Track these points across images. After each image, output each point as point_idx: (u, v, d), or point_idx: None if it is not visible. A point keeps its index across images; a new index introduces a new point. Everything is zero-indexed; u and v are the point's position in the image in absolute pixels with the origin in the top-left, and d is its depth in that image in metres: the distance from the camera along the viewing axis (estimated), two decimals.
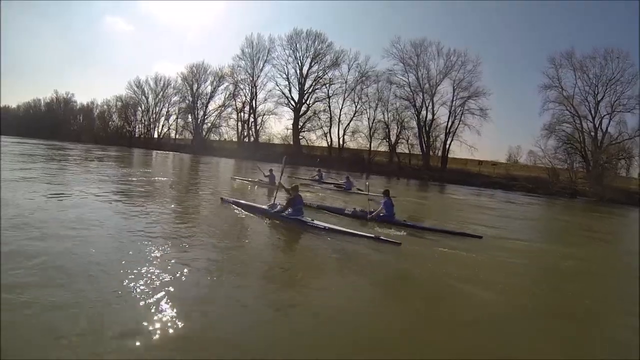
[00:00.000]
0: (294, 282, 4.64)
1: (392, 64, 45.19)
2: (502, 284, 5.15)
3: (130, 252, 4.85)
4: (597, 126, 36.49)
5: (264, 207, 8.61)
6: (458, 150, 43.70)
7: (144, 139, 68.66)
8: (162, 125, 69.32)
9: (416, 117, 44.35)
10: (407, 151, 44.83)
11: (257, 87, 54.67)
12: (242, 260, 5.16)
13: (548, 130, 37.87)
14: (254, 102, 55.14)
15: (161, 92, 68.39)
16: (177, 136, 67.01)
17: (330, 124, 48.99)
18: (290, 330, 3.34)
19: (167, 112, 68.42)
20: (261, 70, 54.12)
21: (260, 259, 5.33)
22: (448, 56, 43.05)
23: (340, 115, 48.95)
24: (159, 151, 54.27)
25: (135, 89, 70.11)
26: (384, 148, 46.39)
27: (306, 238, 6.88)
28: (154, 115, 69.81)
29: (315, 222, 7.49)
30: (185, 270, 4.36)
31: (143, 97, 70.41)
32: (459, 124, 43.08)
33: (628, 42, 65.61)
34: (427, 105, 43.92)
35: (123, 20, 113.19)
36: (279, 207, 8.16)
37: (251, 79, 54.85)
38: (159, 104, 69.06)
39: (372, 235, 6.81)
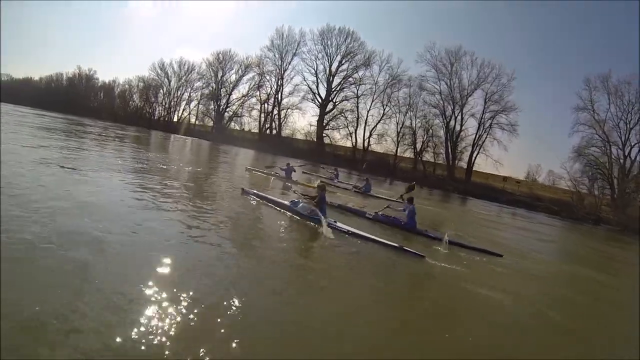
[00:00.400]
0: (310, 284, 4.57)
1: (425, 70, 44.92)
2: (519, 307, 5.18)
3: (148, 241, 4.85)
4: (626, 154, 35.57)
5: (286, 202, 8.37)
6: (483, 164, 43.27)
7: (163, 122, 68.32)
8: (183, 110, 69.13)
9: (444, 126, 43.79)
10: (431, 159, 44.41)
11: (284, 80, 54.06)
12: (260, 256, 5.14)
13: (577, 152, 37.11)
14: (279, 94, 54.55)
15: (184, 77, 67.95)
16: (196, 122, 66.86)
17: (357, 125, 48.32)
18: (299, 333, 3.31)
19: (188, 97, 68.10)
20: (289, 63, 53.51)
21: (277, 257, 5.27)
22: (482, 67, 42.33)
23: (367, 116, 48.29)
24: (178, 135, 54.12)
25: (159, 71, 69.90)
26: (408, 154, 45.97)
27: (327, 240, 6.69)
28: (175, 99, 69.60)
29: (339, 224, 7.32)
30: (201, 262, 4.41)
31: (165, 80, 70.33)
32: (486, 137, 42.54)
33: None
34: (456, 115, 43.38)
35: (149, 4, 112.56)
36: (301, 204, 7.92)
37: (278, 71, 54.26)
38: (180, 88, 68.77)
39: (396, 245, 6.62)
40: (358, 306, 4.12)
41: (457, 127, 43.29)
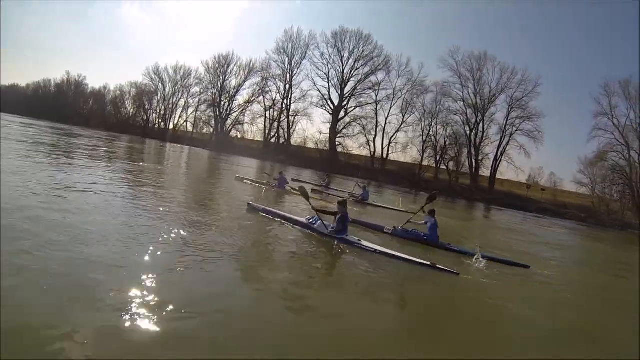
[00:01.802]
0: (338, 309, 4.21)
1: (448, 76, 43.27)
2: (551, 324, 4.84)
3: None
4: None
5: (302, 219, 7.82)
6: (504, 171, 42.82)
7: (159, 130, 64.96)
8: (179, 117, 66.35)
9: (468, 134, 42.55)
10: (453, 168, 43.04)
11: (293, 85, 51.53)
12: (280, 280, 4.74)
13: (599, 158, 37.09)
14: (286, 100, 52.16)
15: (180, 82, 64.84)
16: (193, 129, 64.14)
17: (376, 133, 46.23)
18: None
19: (185, 103, 65.33)
20: (298, 67, 51.19)
21: (299, 279, 5.02)
22: (505, 72, 41.22)
23: (385, 124, 46.39)
24: (176, 145, 50.70)
25: (154, 76, 66.71)
26: (426, 162, 44.46)
27: (352, 260, 6.33)
28: (171, 106, 66.57)
29: (363, 242, 6.90)
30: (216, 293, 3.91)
31: (160, 85, 67.40)
32: (507, 144, 41.77)
33: None
34: (478, 121, 42.23)
35: (139, 10, 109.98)
36: (319, 221, 7.33)
37: (286, 75, 51.86)
38: (176, 93, 65.66)
39: (428, 263, 6.32)
40: (392, 336, 3.80)
41: (480, 134, 42.39)
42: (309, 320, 3.80)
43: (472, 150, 42.11)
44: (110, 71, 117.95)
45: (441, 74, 53.25)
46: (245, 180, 15.75)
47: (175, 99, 65.90)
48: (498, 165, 41.78)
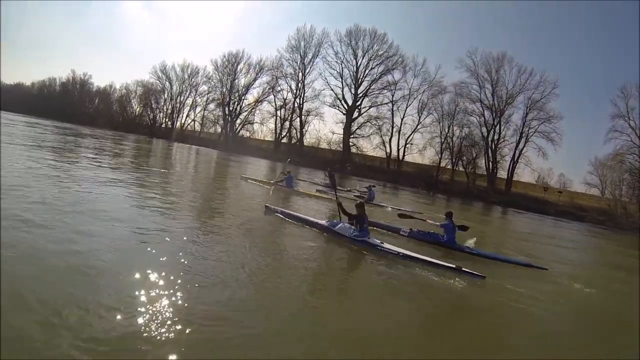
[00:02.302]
0: (363, 314, 4.16)
1: (465, 77, 42.88)
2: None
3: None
4: None
5: (322, 222, 7.75)
6: (520, 173, 42.32)
7: (166, 129, 64.30)
8: (186, 116, 65.89)
9: (484, 135, 42.09)
10: (469, 170, 42.40)
11: (305, 85, 50.83)
12: (302, 283, 4.75)
13: (615, 159, 37.08)
14: (298, 99, 51.49)
15: (188, 80, 64.14)
16: (202, 129, 63.52)
17: (392, 133, 45.69)
18: None
19: (192, 102, 64.86)
20: (310, 65, 50.35)
21: (323, 284, 5.08)
22: (524, 74, 40.87)
23: (401, 124, 45.85)
24: (184, 144, 50.47)
25: (160, 74, 66.14)
26: (443, 164, 43.83)
27: (375, 263, 6.26)
28: (178, 105, 65.95)
29: (385, 245, 6.83)
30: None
31: (167, 84, 66.70)
32: (524, 145, 41.36)
33: None
34: (495, 123, 41.86)
35: (139, 9, 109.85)
36: (341, 224, 7.33)
37: (299, 74, 51.13)
38: (184, 92, 64.95)
39: (454, 266, 6.26)
40: (420, 338, 3.94)
41: (496, 136, 42.04)
42: (335, 324, 3.76)
43: (489, 152, 41.69)
44: (112, 70, 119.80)
45: (458, 75, 52.72)
46: (249, 180, 15.34)
47: (182, 97, 65.54)
48: (515, 167, 41.38)
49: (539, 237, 15.12)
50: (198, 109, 63.96)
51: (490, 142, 41.68)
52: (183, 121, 65.37)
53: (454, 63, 60.51)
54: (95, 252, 4.29)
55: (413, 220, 9.14)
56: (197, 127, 63.94)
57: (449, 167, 43.08)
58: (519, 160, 41.33)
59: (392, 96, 46.05)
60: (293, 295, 4.23)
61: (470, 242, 7.80)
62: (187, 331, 2.95)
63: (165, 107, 67.49)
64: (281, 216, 8.31)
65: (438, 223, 8.30)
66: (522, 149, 41.20)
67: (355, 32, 46.51)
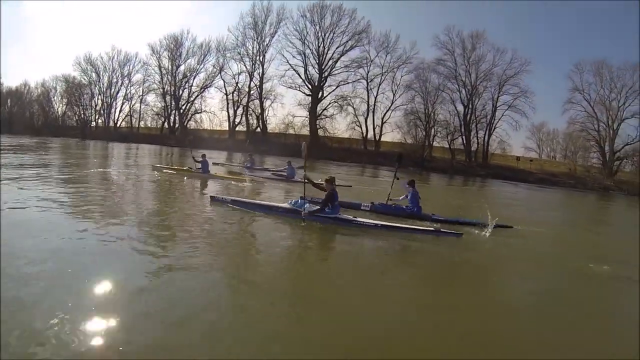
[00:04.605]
0: (353, 295, 3.93)
1: (441, 54, 41.93)
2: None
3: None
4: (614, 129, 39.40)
5: (285, 205, 7.14)
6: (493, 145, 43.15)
7: (102, 128, 56.21)
8: (119, 111, 58.54)
9: (462, 111, 42.10)
10: (445, 146, 42.56)
11: (264, 65, 46.26)
12: (282, 275, 4.44)
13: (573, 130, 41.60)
14: (256, 81, 46.70)
15: (119, 70, 56.23)
16: (139, 124, 56.97)
17: (367, 113, 43.40)
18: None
19: (126, 94, 57.47)
20: (268, 44, 45.70)
21: (303, 270, 4.78)
22: (498, 52, 40.83)
23: (375, 103, 43.74)
24: (128, 144, 43.61)
25: (86, 65, 57.10)
26: (420, 141, 42.46)
27: (353, 240, 6.06)
28: (110, 99, 58.33)
29: (359, 219, 6.66)
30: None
31: (93, 75, 58.35)
32: (498, 120, 42.28)
33: None
34: (470, 98, 41.90)
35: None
36: (306, 204, 6.78)
37: (256, 53, 46.27)
38: (115, 84, 56.96)
39: (432, 229, 6.55)
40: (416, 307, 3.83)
41: (473, 112, 42.29)
42: (327, 312, 3.46)
43: (463, 127, 41.62)
44: (27, 69, 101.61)
45: (433, 52, 52.11)
46: (165, 170, 13.82)
47: (113, 90, 57.64)
48: (488, 140, 42.17)
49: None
50: (137, 101, 56.89)
51: (467, 118, 41.67)
52: (116, 117, 58.08)
53: (429, 40, 59.23)
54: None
55: (373, 193, 9.18)
56: (141, 123, 57.01)
57: (435, 144, 42.56)
58: (494, 134, 42.40)
59: (367, 74, 43.66)
60: (275, 291, 3.83)
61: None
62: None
63: (93, 103, 59.29)
64: (232, 206, 7.52)
65: (402, 197, 8.26)
66: (496, 124, 42.16)
67: (320, 7, 42.76)
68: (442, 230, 6.44)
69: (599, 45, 60.47)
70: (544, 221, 10.29)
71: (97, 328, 2.69)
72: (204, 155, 13.31)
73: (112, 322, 2.79)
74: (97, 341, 2.54)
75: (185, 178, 12.44)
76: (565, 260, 6.17)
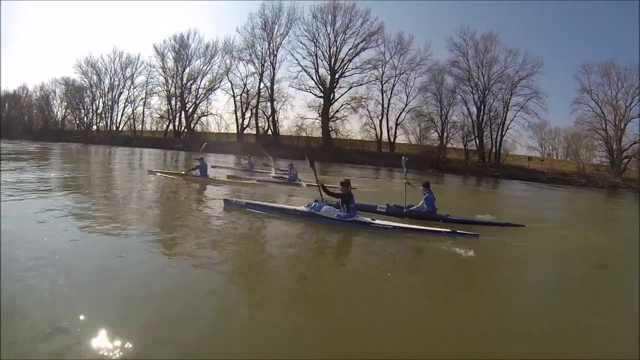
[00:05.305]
0: (371, 298, 3.95)
1: (454, 55, 42.10)
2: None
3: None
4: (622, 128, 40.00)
5: (302, 208, 7.12)
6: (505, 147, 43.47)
7: (106, 132, 55.30)
8: (122, 115, 57.43)
9: (476, 112, 42.35)
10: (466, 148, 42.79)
11: (275, 66, 45.91)
12: (300, 279, 4.47)
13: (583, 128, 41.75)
14: (267, 82, 46.27)
15: (121, 72, 55.53)
16: (141, 127, 56.07)
17: (382, 115, 43.45)
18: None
19: (128, 97, 56.56)
20: (278, 45, 45.45)
21: (320, 274, 4.74)
22: (510, 54, 41.05)
23: (389, 105, 43.74)
24: (136, 148, 43.19)
25: (87, 67, 56.19)
26: (435, 143, 42.83)
27: (370, 243, 6.10)
28: (111, 102, 57.29)
29: (377, 221, 6.78)
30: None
31: (94, 78, 57.24)
32: (510, 121, 42.56)
33: None
34: (483, 100, 42.17)
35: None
36: (325, 206, 6.89)
37: (265, 57, 45.98)
38: (118, 86, 56.34)
39: (449, 230, 6.59)
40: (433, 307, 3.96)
41: (485, 112, 42.55)
42: (345, 316, 3.46)
43: (477, 129, 41.89)
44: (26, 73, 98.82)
45: (445, 54, 52.27)
46: (159, 174, 13.46)
47: (115, 93, 56.60)
48: (501, 141, 42.52)
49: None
50: (138, 104, 56.10)
51: (480, 119, 41.97)
52: (118, 120, 57.15)
53: (439, 41, 61.24)
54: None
55: (388, 196, 9.11)
56: (146, 126, 56.12)
57: (448, 146, 42.62)
58: (506, 135, 42.73)
59: (382, 75, 43.60)
60: (293, 296, 3.89)
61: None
62: None
63: (94, 107, 58.29)
64: (248, 209, 7.54)
65: (417, 205, 8.28)
66: (508, 125, 42.49)
67: (333, 7, 42.54)
68: (458, 231, 6.54)
69: (607, 45, 61.02)
70: (567, 219, 11.39)
71: (98, 330, 2.70)
72: (202, 159, 13.02)
73: (114, 325, 2.80)
74: (97, 342, 2.57)
75: (184, 182, 12.15)
76: (578, 260, 6.33)
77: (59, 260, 4.11)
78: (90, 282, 3.62)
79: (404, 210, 8.13)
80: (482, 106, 41.97)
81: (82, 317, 2.89)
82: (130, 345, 2.59)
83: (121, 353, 2.50)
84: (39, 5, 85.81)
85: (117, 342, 2.60)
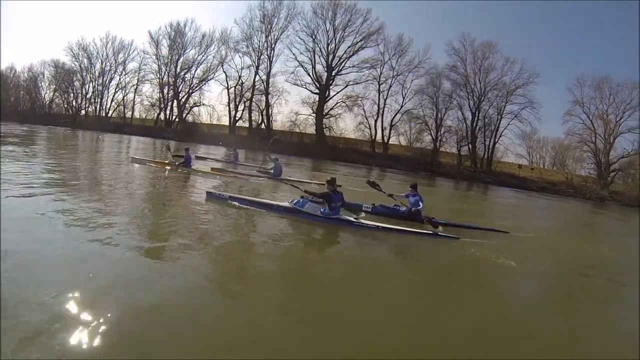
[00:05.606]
0: (353, 297, 3.97)
1: (452, 60, 42.36)
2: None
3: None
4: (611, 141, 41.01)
5: (285, 204, 7.10)
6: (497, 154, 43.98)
7: (95, 118, 54.17)
8: (112, 100, 56.46)
9: (470, 118, 42.55)
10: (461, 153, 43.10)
11: (272, 60, 45.43)
12: (284, 277, 4.37)
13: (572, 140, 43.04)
14: (263, 75, 45.86)
15: (114, 57, 54.53)
16: (132, 114, 55.10)
17: (377, 115, 43.27)
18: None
19: (119, 83, 55.67)
20: (276, 39, 44.96)
21: (303, 272, 4.70)
22: (508, 62, 41.55)
23: (384, 105, 43.72)
24: (125, 135, 42.10)
25: (78, 51, 54.99)
26: (428, 146, 43.21)
27: (353, 241, 6.20)
28: (101, 87, 56.29)
29: (362, 220, 6.86)
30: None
31: (85, 61, 56.28)
32: (504, 129, 42.99)
33: None
34: (478, 106, 42.44)
35: None
36: (308, 203, 6.87)
37: (261, 50, 45.49)
38: (109, 71, 55.30)
39: (430, 232, 6.78)
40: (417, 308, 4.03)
41: (481, 119, 42.89)
42: (328, 316, 3.43)
43: (470, 134, 42.11)
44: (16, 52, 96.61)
45: (444, 58, 51.85)
46: (147, 163, 13.16)
47: (106, 78, 55.63)
48: (493, 148, 42.95)
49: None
50: (129, 90, 55.12)
51: (474, 125, 42.25)
52: (108, 106, 56.10)
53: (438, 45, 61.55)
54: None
55: (375, 195, 8.97)
56: (136, 114, 55.19)
57: (442, 150, 42.78)
58: (499, 142, 43.18)
59: (380, 75, 43.37)
60: (271, 291, 3.83)
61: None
62: None
63: (84, 91, 57.22)
64: (231, 202, 7.42)
65: (402, 195, 8.45)
66: (502, 133, 42.94)
67: (333, 5, 42.22)
68: (439, 233, 6.76)
69: (600, 61, 61.94)
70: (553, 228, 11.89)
71: (89, 328, 2.65)
72: (187, 149, 13.05)
73: (103, 323, 2.73)
74: (89, 341, 2.52)
75: (166, 172, 11.87)
76: (564, 264, 6.74)
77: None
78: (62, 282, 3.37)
79: (390, 210, 8.21)
80: (477, 112, 42.27)
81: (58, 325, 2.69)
82: (100, 343, 2.51)
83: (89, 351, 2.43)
84: None
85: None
